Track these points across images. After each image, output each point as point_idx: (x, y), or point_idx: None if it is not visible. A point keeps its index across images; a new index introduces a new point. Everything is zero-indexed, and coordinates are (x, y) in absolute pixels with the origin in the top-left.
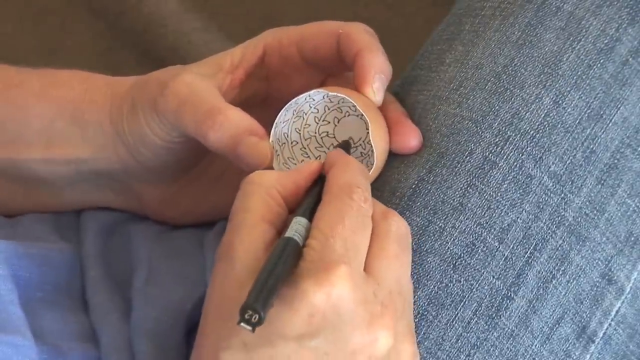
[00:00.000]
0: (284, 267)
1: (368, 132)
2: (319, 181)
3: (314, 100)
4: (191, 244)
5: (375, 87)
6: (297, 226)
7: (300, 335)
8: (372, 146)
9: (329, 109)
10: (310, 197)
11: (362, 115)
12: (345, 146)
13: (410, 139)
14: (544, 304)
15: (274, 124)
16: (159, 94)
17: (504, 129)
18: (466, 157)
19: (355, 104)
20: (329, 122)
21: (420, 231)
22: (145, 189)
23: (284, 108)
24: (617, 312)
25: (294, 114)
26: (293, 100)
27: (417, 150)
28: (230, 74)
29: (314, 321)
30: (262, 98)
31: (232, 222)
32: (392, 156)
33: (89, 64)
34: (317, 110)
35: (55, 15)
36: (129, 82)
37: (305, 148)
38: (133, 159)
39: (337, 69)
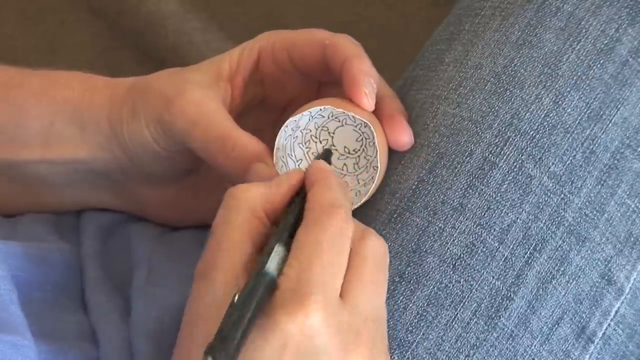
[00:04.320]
0: (255, 310)
1: (366, 139)
2: (301, 193)
3: (312, 115)
4: (191, 244)
5: (367, 91)
6: (275, 257)
7: None
8: (376, 151)
9: (327, 121)
10: (290, 215)
11: (361, 125)
12: (326, 155)
13: (404, 135)
14: (544, 304)
15: (275, 149)
16: (165, 110)
17: (503, 129)
18: (466, 157)
19: (354, 115)
20: (329, 134)
21: (420, 232)
22: (145, 191)
23: (281, 129)
24: (616, 312)
25: (293, 131)
26: (289, 120)
27: (416, 151)
28: (229, 83)
29: (286, 352)
30: (260, 100)
31: (214, 236)
32: (391, 158)
33: (89, 64)
34: (316, 124)
35: (55, 15)
36: (127, 83)
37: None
38: (130, 162)
39: (325, 78)
